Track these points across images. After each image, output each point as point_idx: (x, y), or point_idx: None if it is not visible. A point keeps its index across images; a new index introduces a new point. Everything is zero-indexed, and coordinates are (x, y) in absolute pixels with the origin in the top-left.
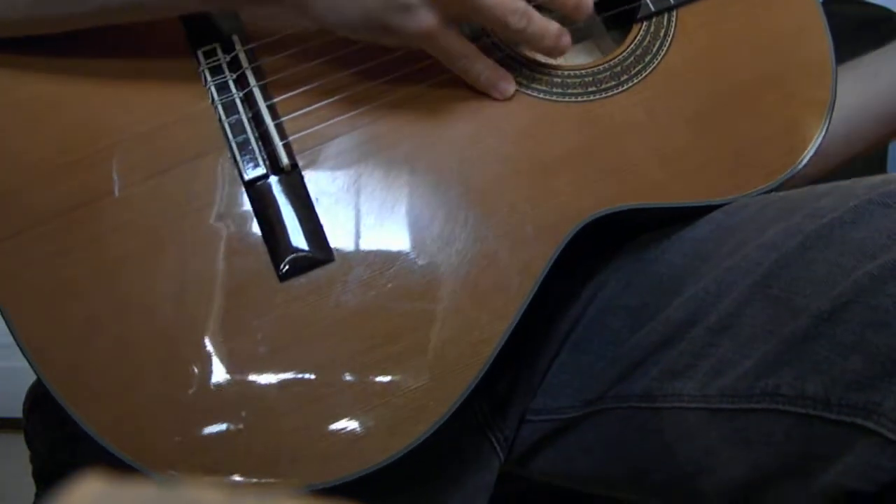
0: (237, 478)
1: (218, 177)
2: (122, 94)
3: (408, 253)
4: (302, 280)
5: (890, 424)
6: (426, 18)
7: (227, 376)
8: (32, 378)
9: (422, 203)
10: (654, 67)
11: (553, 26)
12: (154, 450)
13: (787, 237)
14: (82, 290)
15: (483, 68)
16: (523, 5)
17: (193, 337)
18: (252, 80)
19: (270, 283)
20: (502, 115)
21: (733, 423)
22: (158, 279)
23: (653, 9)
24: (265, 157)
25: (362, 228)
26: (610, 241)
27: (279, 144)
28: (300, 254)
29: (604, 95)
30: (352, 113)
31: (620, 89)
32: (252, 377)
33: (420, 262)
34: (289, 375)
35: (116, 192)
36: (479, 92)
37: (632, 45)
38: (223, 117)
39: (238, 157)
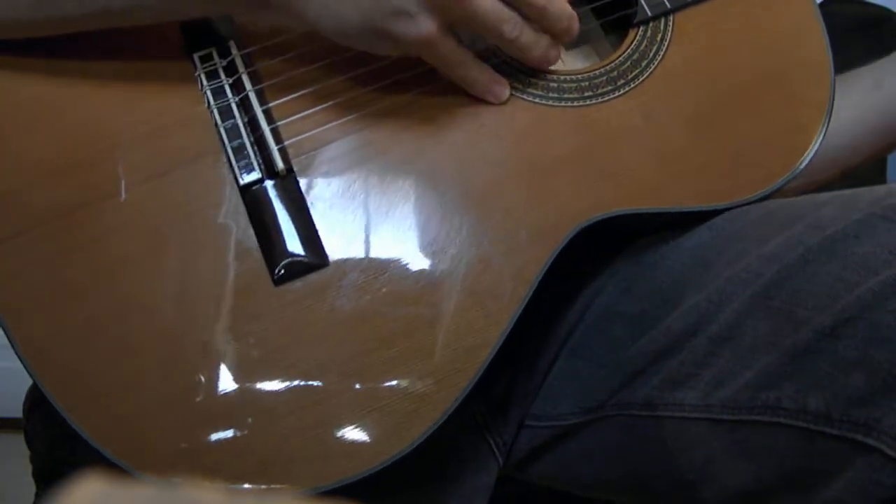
0: (235, 480)
1: (214, 181)
2: (120, 97)
3: (402, 258)
4: (297, 285)
5: (890, 441)
6: (426, 25)
7: (224, 379)
8: None
9: (417, 208)
10: (651, 72)
11: (543, 38)
12: (152, 452)
13: (788, 248)
14: (81, 292)
15: (479, 74)
16: (516, 14)
17: (191, 339)
18: (248, 85)
19: (266, 287)
20: (498, 120)
21: (734, 434)
22: (156, 281)
23: (649, 14)
24: (261, 161)
25: (357, 233)
26: (607, 245)
27: (275, 149)
28: (295, 258)
29: (600, 100)
30: (347, 117)
31: (617, 94)
32: (248, 381)
33: (415, 267)
34: (284, 379)
35: (115, 195)
36: (474, 97)
37: (628, 50)
38: (219, 121)
39: (234, 162)
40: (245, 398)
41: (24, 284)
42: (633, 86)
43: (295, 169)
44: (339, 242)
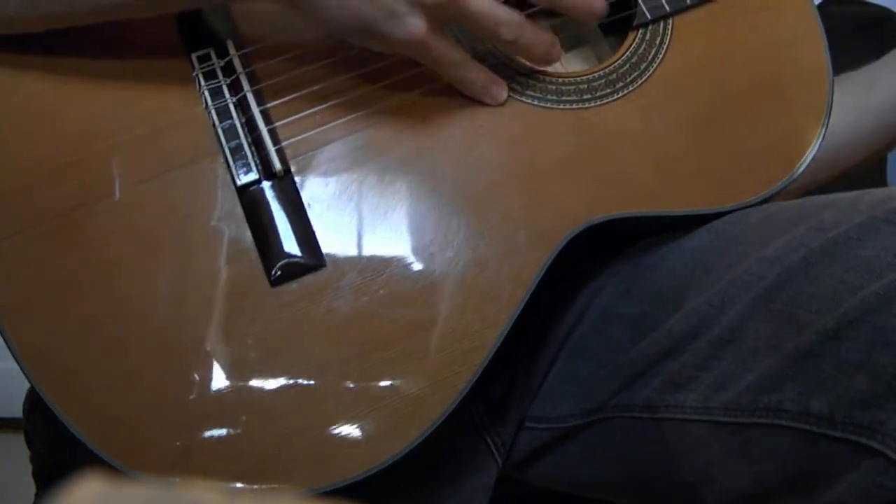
0: (234, 480)
1: (211, 181)
2: (118, 97)
3: (400, 259)
4: (294, 286)
5: (893, 444)
6: (415, 26)
7: (221, 380)
8: None
9: (414, 209)
10: (650, 75)
11: (544, 38)
12: (150, 452)
13: (789, 251)
14: (78, 292)
15: (475, 76)
16: (516, 16)
17: (188, 340)
18: (245, 85)
19: (262, 288)
20: (496, 122)
21: (736, 436)
22: (153, 282)
23: (649, 17)
24: (258, 162)
25: (354, 234)
26: (606, 246)
27: (272, 150)
28: (292, 259)
29: (599, 103)
30: (345, 118)
31: (615, 97)
32: (245, 381)
33: (412, 269)
34: (281, 380)
35: (113, 195)
36: (472, 98)
37: (627, 53)
38: (216, 122)
39: (231, 162)
40: (242, 399)
41: (21, 284)
42: (631, 89)
43: (292, 170)
44: (337, 244)
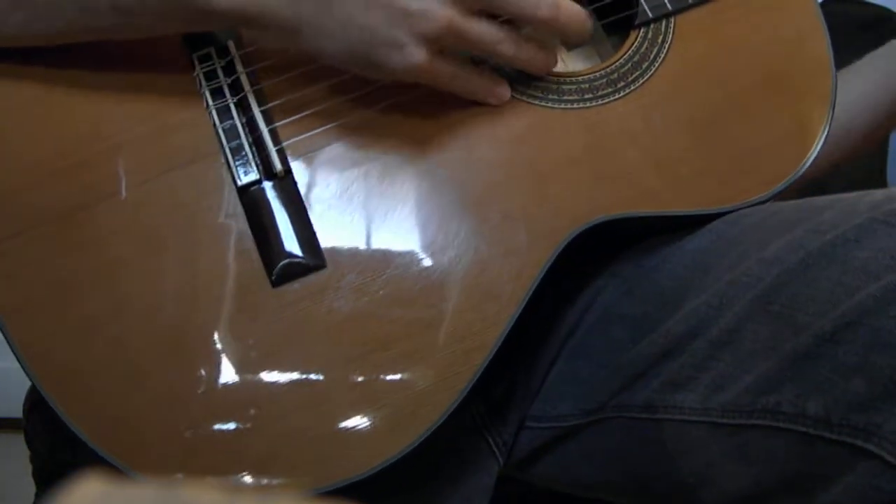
0: (234, 480)
1: (212, 182)
2: (119, 98)
3: (401, 259)
4: (295, 286)
5: (890, 447)
6: (417, 56)
7: (222, 380)
8: None
9: (415, 210)
10: (652, 74)
11: (542, 51)
12: (150, 452)
13: (788, 252)
14: (80, 292)
15: (477, 82)
16: (513, 34)
17: (189, 340)
18: (246, 86)
19: (263, 288)
20: (497, 122)
21: (734, 438)
22: (154, 282)
23: (650, 15)
24: (259, 162)
25: (355, 235)
26: (607, 246)
27: (273, 150)
28: (293, 260)
29: (600, 102)
30: (346, 119)
31: (617, 96)
32: (246, 381)
33: (413, 269)
34: (282, 380)
35: (114, 195)
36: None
37: (629, 52)
38: (217, 122)
39: (231, 163)
40: (243, 399)
41: (22, 284)
42: (633, 88)
43: (293, 170)
44: (338, 244)
